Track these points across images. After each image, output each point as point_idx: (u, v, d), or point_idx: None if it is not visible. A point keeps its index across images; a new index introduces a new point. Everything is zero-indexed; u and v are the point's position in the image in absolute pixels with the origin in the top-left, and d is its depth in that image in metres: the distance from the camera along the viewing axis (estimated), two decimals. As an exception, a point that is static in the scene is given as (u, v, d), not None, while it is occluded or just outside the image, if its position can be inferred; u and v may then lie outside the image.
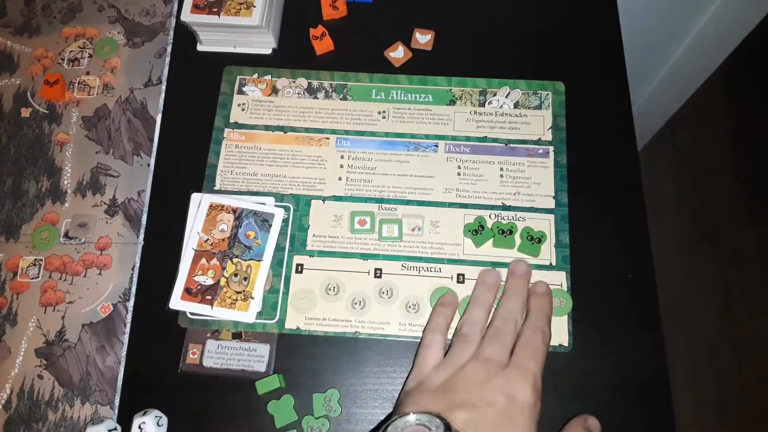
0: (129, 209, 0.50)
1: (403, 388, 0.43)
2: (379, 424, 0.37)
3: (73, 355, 0.46)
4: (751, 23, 0.90)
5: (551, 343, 0.45)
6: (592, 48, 0.55)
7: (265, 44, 0.54)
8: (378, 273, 0.48)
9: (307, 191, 0.50)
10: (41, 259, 0.49)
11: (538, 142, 0.51)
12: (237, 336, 0.46)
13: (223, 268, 0.47)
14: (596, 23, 0.56)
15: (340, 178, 0.51)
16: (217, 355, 0.45)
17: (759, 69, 1.49)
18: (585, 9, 0.56)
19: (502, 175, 0.50)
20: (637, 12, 0.84)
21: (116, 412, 0.45)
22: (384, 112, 0.53)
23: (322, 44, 0.54)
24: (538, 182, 0.50)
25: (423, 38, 0.55)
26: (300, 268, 0.48)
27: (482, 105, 0.53)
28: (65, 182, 0.51)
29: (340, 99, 0.53)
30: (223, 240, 0.47)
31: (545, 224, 0.49)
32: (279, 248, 0.48)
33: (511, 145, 0.51)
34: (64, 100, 0.54)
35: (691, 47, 0.95)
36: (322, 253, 0.48)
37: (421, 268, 0.48)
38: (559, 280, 0.47)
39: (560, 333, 0.46)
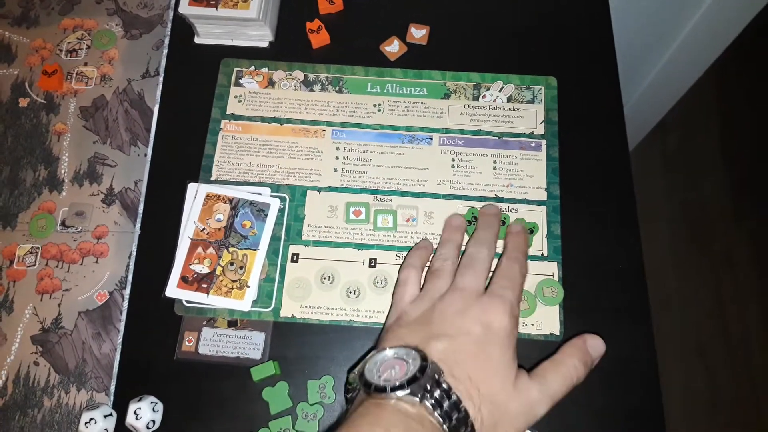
0: (126, 198, 0.51)
1: (383, 325, 0.44)
2: (358, 361, 0.38)
3: (69, 342, 0.47)
4: (740, 24, 0.91)
5: (542, 332, 0.46)
6: (584, 44, 0.56)
7: (262, 37, 0.55)
8: (373, 262, 0.48)
9: (302, 182, 0.51)
10: (38, 247, 0.49)
11: (531, 135, 0.52)
12: (232, 324, 0.47)
13: (219, 257, 0.47)
14: (588, 19, 0.57)
15: (335, 170, 0.51)
16: (212, 343, 0.46)
17: (749, 70, 1.50)
18: (577, 6, 0.57)
19: (495, 168, 0.51)
20: (627, 13, 0.85)
21: (112, 398, 0.45)
22: (379, 105, 0.53)
23: (319, 38, 0.55)
24: (530, 175, 0.51)
25: (418, 33, 0.56)
26: (295, 258, 0.48)
27: (476, 99, 0.53)
28: (62, 171, 0.52)
29: (336, 92, 0.54)
30: (219, 229, 0.48)
31: (537, 216, 0.49)
32: (275, 238, 0.49)
33: (504, 138, 0.52)
34: (62, 91, 0.54)
35: (681, 49, 0.96)
36: (317, 243, 0.49)
37: (415, 258, 0.48)
38: (550, 270, 0.48)
39: (551, 322, 0.47)
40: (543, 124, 0.53)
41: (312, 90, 0.54)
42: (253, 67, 0.55)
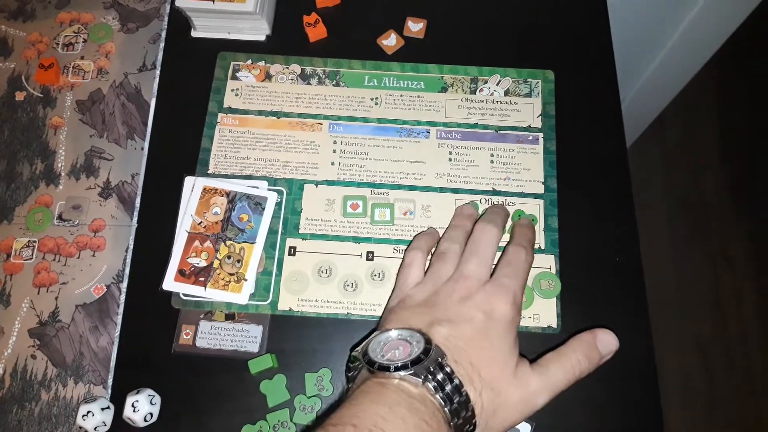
0: (123, 192, 0.51)
1: (386, 306, 0.44)
2: (362, 340, 0.38)
3: (67, 336, 0.47)
4: (738, 18, 0.91)
5: (540, 325, 0.46)
6: (582, 37, 0.56)
7: (259, 31, 0.55)
8: (370, 256, 0.48)
9: (300, 175, 0.51)
10: (35, 241, 0.49)
11: (528, 129, 0.52)
12: (230, 317, 0.47)
13: (217, 251, 0.47)
14: (586, 13, 0.56)
15: (332, 163, 0.51)
16: (210, 336, 0.46)
17: (747, 64, 1.50)
18: (575, -1, 0.57)
19: (492, 161, 0.51)
20: (625, 6, 0.85)
21: (109, 391, 0.45)
22: (376, 98, 0.53)
23: (316, 31, 0.55)
24: (527, 168, 0.51)
25: (415, 26, 0.56)
26: (293, 251, 0.48)
27: (473, 92, 0.53)
28: (59, 165, 0.52)
29: (333, 85, 0.54)
30: (217, 223, 0.48)
31: (535, 209, 0.50)
32: (272, 231, 0.49)
33: (502, 131, 0.52)
34: (59, 84, 0.54)
35: (679, 43, 0.96)
36: (314, 236, 0.49)
37: (412, 251, 0.48)
38: (548, 263, 0.48)
39: (549, 315, 0.47)
40: (540, 117, 0.53)
41: (309, 83, 0.54)
42: (250, 61, 0.54)
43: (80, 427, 0.42)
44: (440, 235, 0.47)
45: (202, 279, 0.46)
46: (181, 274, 0.46)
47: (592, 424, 0.44)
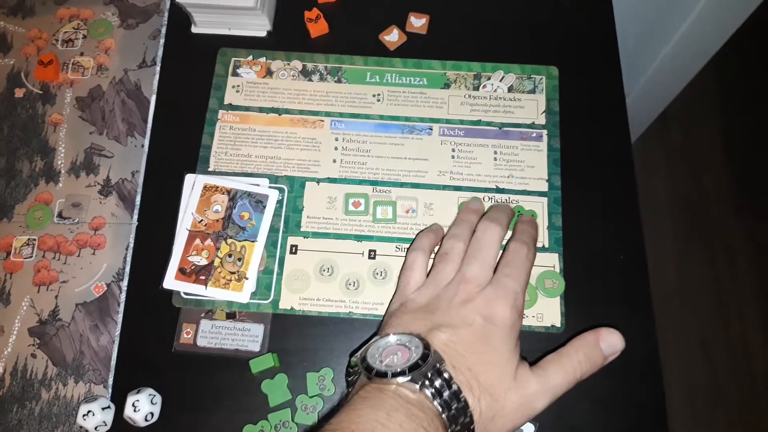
0: (123, 189, 0.50)
1: (387, 309, 0.44)
2: (361, 345, 0.37)
3: (67, 335, 0.46)
4: (741, 17, 0.90)
5: (543, 324, 0.46)
6: (586, 33, 0.55)
7: (259, 26, 0.54)
8: (372, 254, 0.48)
9: (301, 173, 0.50)
10: (35, 239, 0.49)
11: (532, 125, 0.52)
12: (231, 316, 0.46)
13: (218, 249, 0.47)
14: (590, 8, 0.56)
15: (334, 161, 0.51)
16: (211, 335, 0.46)
17: (750, 62, 1.50)
18: (579, -6, 0.56)
19: (495, 159, 0.51)
20: (629, 3, 0.84)
21: (110, 391, 0.45)
22: (379, 95, 0.53)
23: (317, 27, 0.54)
24: (531, 165, 0.50)
25: (418, 22, 0.55)
26: (294, 249, 0.48)
27: (476, 89, 0.53)
28: (59, 162, 0.51)
29: (335, 81, 0.53)
30: (218, 221, 0.47)
31: (538, 207, 0.49)
32: (273, 229, 0.48)
33: (505, 128, 0.52)
34: (58, 81, 0.54)
35: (683, 40, 0.96)
36: (316, 235, 0.48)
37: (414, 250, 0.48)
38: (551, 262, 0.48)
39: (553, 314, 0.46)
40: (544, 114, 0.52)
41: (310, 80, 0.53)
42: (250, 57, 0.54)
43: (81, 427, 0.42)
44: (444, 231, 0.47)
45: (203, 277, 0.46)
46: (182, 272, 0.46)
47: (596, 424, 0.44)
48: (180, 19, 0.55)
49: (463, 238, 0.43)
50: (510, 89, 0.53)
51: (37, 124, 0.52)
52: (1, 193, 0.50)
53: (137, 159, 0.51)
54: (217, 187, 0.48)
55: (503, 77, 0.53)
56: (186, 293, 0.46)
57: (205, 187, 0.48)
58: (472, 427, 0.33)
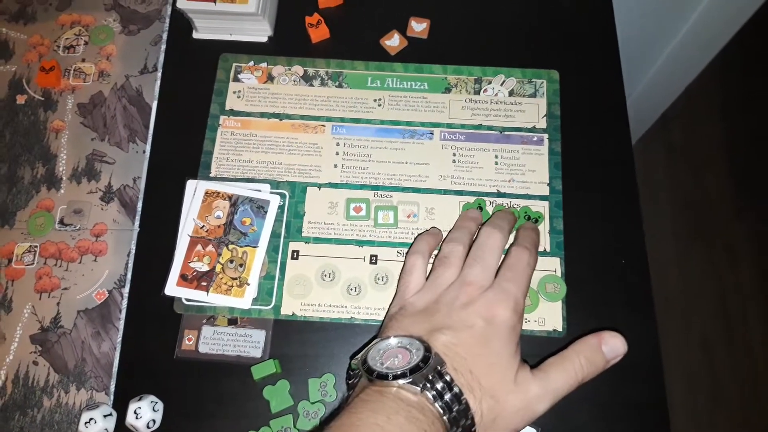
0: (124, 196, 0.50)
1: (386, 313, 0.43)
2: (361, 348, 0.37)
3: (68, 342, 0.46)
4: (743, 17, 0.90)
5: (545, 329, 0.46)
6: (587, 36, 0.55)
7: (260, 32, 0.54)
8: (374, 259, 0.48)
9: (302, 178, 0.50)
10: (36, 246, 0.49)
11: (533, 129, 0.52)
12: (233, 322, 0.46)
13: (219, 255, 0.47)
14: (590, 11, 0.56)
15: (335, 166, 0.51)
16: (212, 341, 0.46)
17: (751, 62, 1.49)
18: (580, -2, 0.56)
19: (497, 163, 0.51)
20: (630, 5, 0.84)
21: (112, 398, 0.45)
22: (380, 99, 0.53)
23: (318, 32, 0.54)
24: (532, 169, 0.50)
25: (419, 26, 0.55)
26: (296, 255, 0.48)
27: (477, 93, 0.53)
28: (60, 169, 0.51)
29: (336, 86, 0.53)
30: (219, 226, 0.47)
31: (540, 211, 0.49)
32: (275, 235, 0.48)
33: (506, 132, 0.52)
34: (60, 87, 0.54)
35: (683, 41, 0.96)
36: (317, 240, 0.48)
37: (416, 255, 0.48)
38: (553, 266, 0.47)
39: (554, 318, 0.46)
40: (545, 118, 0.52)
41: (311, 85, 0.53)
42: (252, 62, 0.54)
43: (83, 434, 0.42)
44: (443, 234, 0.47)
45: (204, 283, 0.46)
46: (184, 278, 0.46)
47: (598, 426, 0.44)
48: (181, 24, 0.55)
49: (463, 243, 0.43)
50: (511, 93, 0.53)
51: (39, 131, 0.52)
52: (2, 199, 0.50)
53: (139, 165, 0.51)
54: (219, 192, 0.48)
55: (504, 81, 0.53)
56: (187, 299, 0.46)
57: (206, 192, 0.48)
58: (473, 429, 0.33)
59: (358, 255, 0.48)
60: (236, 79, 0.53)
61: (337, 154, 0.51)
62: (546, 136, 0.51)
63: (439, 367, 0.34)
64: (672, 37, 0.96)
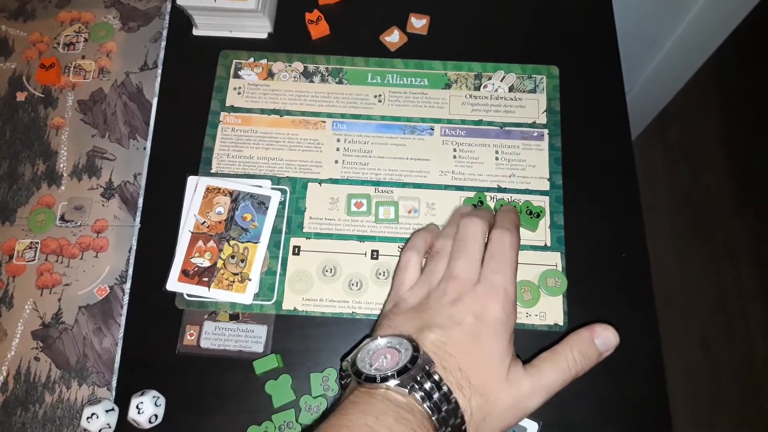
0: (125, 192, 0.50)
1: (381, 310, 0.43)
2: (352, 348, 0.37)
3: (70, 338, 0.46)
4: (740, 14, 0.91)
5: (546, 323, 0.46)
6: (586, 32, 0.55)
7: (260, 28, 0.55)
8: (375, 254, 0.48)
9: (303, 174, 0.50)
10: (37, 242, 0.49)
11: (533, 125, 0.52)
12: (234, 317, 0.46)
13: (220, 250, 0.47)
14: (590, 8, 0.56)
15: (336, 161, 0.51)
16: (214, 337, 0.46)
17: (749, 59, 1.50)
18: (579, -6, 0.56)
19: (497, 158, 0.51)
20: (629, 1, 0.85)
21: (113, 393, 0.45)
22: (380, 95, 0.53)
23: (318, 28, 0.54)
24: (533, 165, 0.51)
25: (418, 23, 0.55)
26: (297, 250, 0.48)
27: (477, 89, 0.53)
28: (61, 165, 0.51)
29: (336, 83, 0.53)
30: (220, 222, 0.48)
31: (540, 206, 0.49)
32: (276, 230, 0.48)
33: (506, 128, 0.52)
34: (60, 84, 0.54)
35: (682, 38, 0.96)
36: (318, 235, 0.48)
37: (417, 250, 0.48)
38: (554, 260, 0.48)
39: (555, 313, 0.46)
40: (545, 113, 0.52)
41: (312, 81, 0.53)
42: (252, 59, 0.54)
43: (85, 430, 0.42)
44: (439, 230, 0.47)
45: (205, 279, 0.46)
46: (185, 274, 0.46)
47: (599, 423, 0.44)
48: (181, 21, 0.55)
49: (454, 237, 0.43)
50: (511, 89, 0.53)
51: (39, 128, 0.52)
52: (3, 196, 0.50)
53: (139, 161, 0.51)
54: (220, 188, 0.48)
55: (504, 77, 0.53)
56: (189, 295, 0.46)
57: (207, 188, 0.48)
58: (463, 428, 0.33)
59: (359, 250, 0.48)
60: (236, 76, 0.53)
61: (338, 150, 0.51)
62: (546, 131, 0.52)
63: (427, 367, 0.33)
64: (671, 34, 0.96)
